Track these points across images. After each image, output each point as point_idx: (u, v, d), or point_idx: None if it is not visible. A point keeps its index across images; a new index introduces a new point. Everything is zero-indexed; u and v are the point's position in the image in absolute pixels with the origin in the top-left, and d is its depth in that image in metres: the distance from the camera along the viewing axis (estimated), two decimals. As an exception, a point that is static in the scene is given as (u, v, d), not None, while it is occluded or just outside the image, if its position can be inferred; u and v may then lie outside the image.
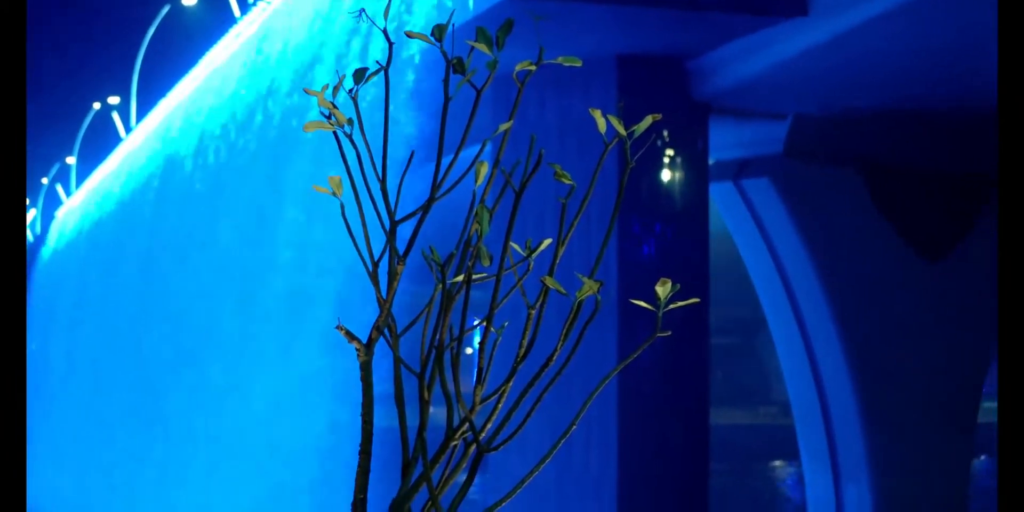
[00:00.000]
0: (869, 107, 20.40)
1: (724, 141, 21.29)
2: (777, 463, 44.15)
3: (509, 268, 2.37)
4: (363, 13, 2.52)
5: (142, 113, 46.01)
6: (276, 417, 27.45)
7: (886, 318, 22.24)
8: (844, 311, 22.21)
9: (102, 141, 53.49)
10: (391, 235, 2.37)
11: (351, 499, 2.38)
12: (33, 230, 69.61)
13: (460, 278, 2.35)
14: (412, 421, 2.38)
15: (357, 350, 2.36)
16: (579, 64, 2.38)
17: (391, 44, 2.42)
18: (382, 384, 2.41)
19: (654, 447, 19.24)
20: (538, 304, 2.35)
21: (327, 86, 2.36)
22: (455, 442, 2.35)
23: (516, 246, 2.37)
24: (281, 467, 27.56)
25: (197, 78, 36.53)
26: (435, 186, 2.36)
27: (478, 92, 2.36)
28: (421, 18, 20.27)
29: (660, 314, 2.34)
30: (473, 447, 2.36)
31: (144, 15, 44.09)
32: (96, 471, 39.86)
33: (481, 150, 2.37)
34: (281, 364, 27.35)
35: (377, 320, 2.36)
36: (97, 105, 53.29)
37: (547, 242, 2.39)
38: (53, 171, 65.44)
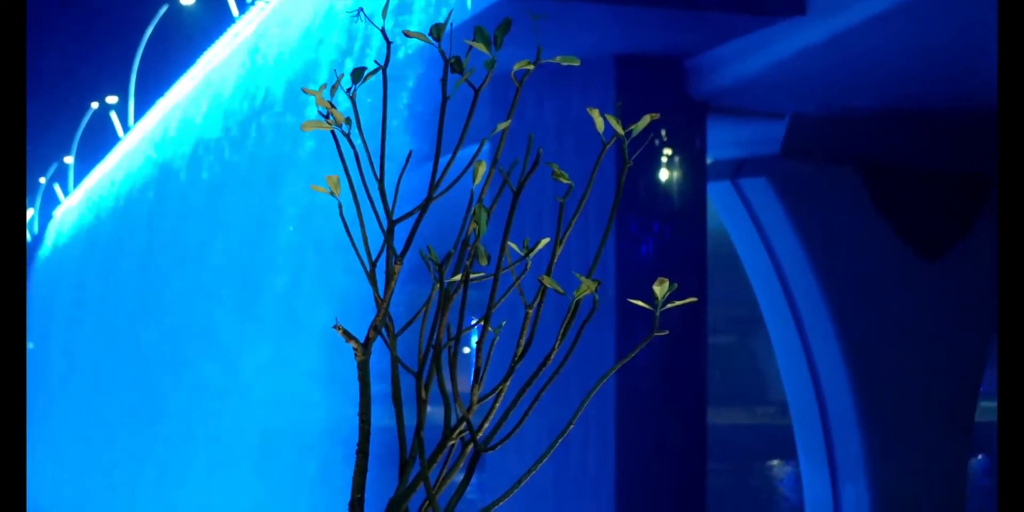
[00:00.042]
0: (867, 107, 20.39)
1: (722, 140, 21.29)
2: (775, 462, 44.16)
3: (507, 267, 2.37)
4: (361, 12, 2.52)
5: (140, 113, 45.98)
6: (275, 417, 27.47)
7: (884, 318, 22.23)
8: (842, 311, 22.20)
9: (100, 141, 53.46)
10: (389, 235, 2.37)
11: (349, 498, 2.38)
12: (31, 230, 69.55)
13: (458, 277, 2.35)
14: (410, 420, 2.38)
15: (355, 349, 2.36)
16: (577, 63, 2.38)
17: (389, 43, 2.43)
18: (380, 383, 2.41)
19: (652, 446, 19.24)
20: (536, 303, 2.35)
21: (324, 85, 2.36)
22: (452, 441, 2.35)
23: (514, 245, 2.37)
24: (280, 467, 27.59)
25: (195, 78, 36.51)
26: (433, 185, 2.36)
27: (476, 91, 2.36)
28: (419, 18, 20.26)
29: (658, 313, 2.34)
30: (471, 446, 2.36)
31: (142, 15, 44.12)
32: (96, 471, 39.85)
33: (479, 149, 2.37)
34: (280, 364, 27.36)
35: (375, 319, 2.36)
36: (95, 105, 53.26)
37: (545, 241, 2.39)
38: (51, 171, 65.45)
